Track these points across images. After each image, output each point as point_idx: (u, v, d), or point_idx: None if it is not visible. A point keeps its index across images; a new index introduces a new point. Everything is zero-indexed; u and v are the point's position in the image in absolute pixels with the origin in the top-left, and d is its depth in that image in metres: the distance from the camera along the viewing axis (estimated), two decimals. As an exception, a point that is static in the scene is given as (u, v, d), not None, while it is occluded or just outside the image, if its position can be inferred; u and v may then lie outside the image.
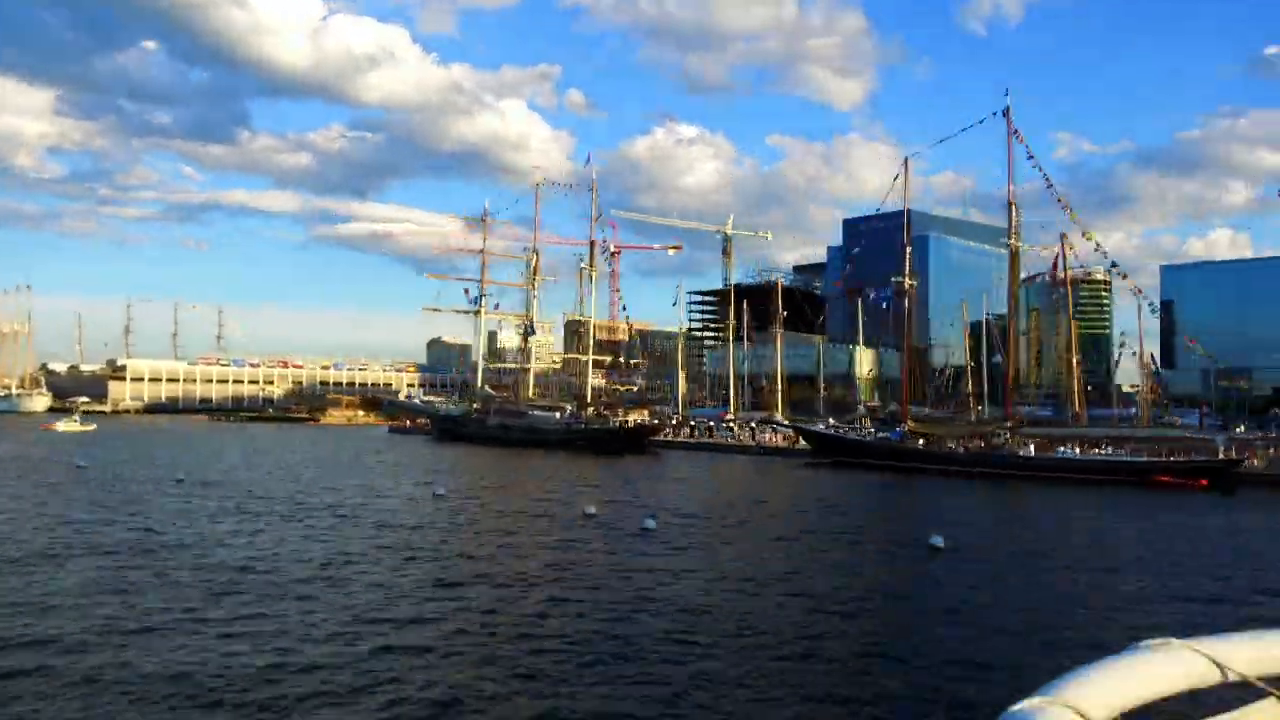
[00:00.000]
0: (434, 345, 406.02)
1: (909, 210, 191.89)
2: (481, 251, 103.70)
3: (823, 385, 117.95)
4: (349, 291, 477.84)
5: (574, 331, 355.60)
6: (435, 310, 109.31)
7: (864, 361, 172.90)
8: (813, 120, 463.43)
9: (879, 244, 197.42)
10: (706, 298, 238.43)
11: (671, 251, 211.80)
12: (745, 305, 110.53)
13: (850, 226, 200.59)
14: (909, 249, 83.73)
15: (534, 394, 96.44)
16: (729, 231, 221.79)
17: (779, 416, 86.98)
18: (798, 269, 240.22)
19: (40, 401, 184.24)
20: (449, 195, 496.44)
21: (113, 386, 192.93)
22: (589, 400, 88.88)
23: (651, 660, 16.81)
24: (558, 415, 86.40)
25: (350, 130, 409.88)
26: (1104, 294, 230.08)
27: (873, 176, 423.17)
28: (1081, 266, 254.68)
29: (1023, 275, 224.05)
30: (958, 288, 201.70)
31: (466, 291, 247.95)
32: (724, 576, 25.14)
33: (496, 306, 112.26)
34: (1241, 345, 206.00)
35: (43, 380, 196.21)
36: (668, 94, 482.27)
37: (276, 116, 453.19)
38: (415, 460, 70.76)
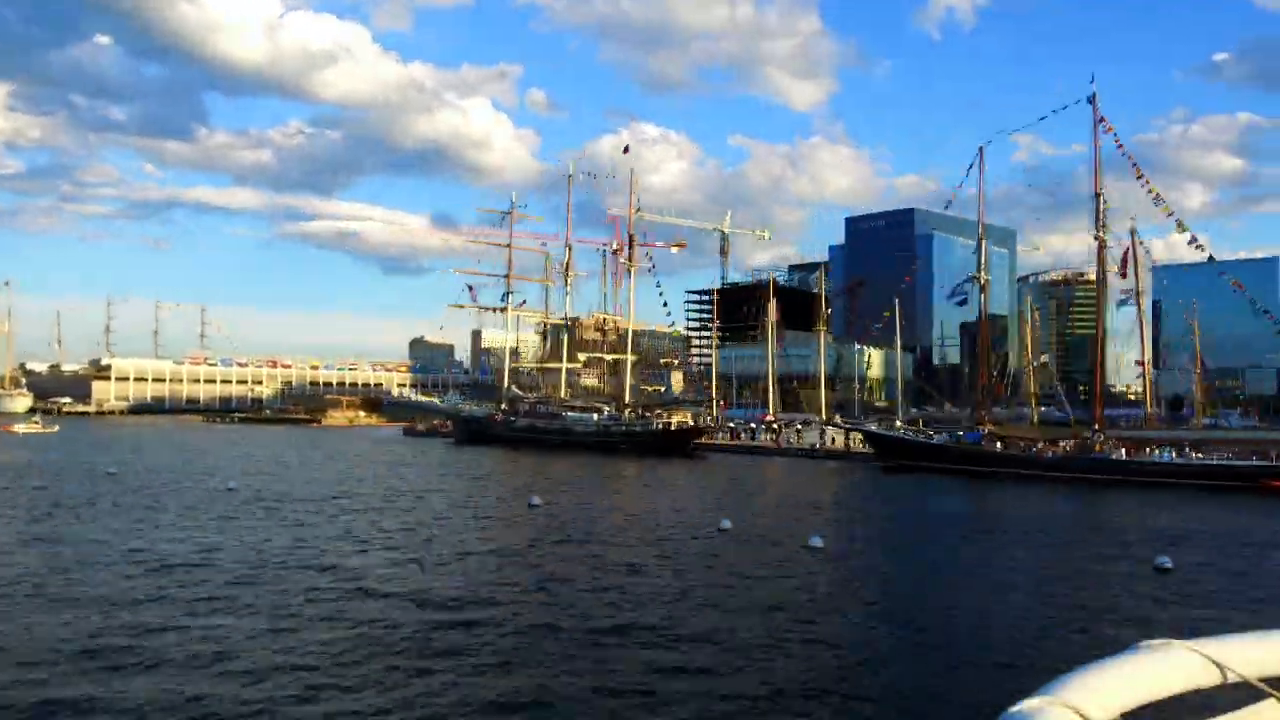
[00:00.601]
0: (416, 345, 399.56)
1: (912, 210, 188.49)
2: (508, 246, 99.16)
3: (830, 385, 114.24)
4: (315, 291, 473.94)
5: (557, 333, 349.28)
6: (460, 307, 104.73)
7: (873, 361, 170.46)
8: (774, 121, 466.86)
9: (880, 243, 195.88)
10: (703, 297, 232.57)
11: (676, 250, 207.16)
12: (774, 304, 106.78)
13: (852, 225, 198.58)
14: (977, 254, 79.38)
15: (566, 394, 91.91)
16: (726, 230, 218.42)
17: (820, 417, 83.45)
18: (793, 268, 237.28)
19: (21, 402, 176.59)
20: (415, 194, 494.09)
21: (96, 386, 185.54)
22: (628, 401, 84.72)
23: None
24: (595, 417, 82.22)
25: (309, 127, 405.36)
26: (1092, 294, 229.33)
27: (836, 178, 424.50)
28: (1068, 267, 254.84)
29: (1021, 273, 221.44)
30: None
31: (469, 289, 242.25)
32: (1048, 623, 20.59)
33: (523, 303, 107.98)
34: (1232, 346, 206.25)
35: (22, 380, 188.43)
36: (629, 93, 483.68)
37: (235, 113, 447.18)
38: (460, 465, 66.27)
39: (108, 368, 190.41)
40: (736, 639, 17.95)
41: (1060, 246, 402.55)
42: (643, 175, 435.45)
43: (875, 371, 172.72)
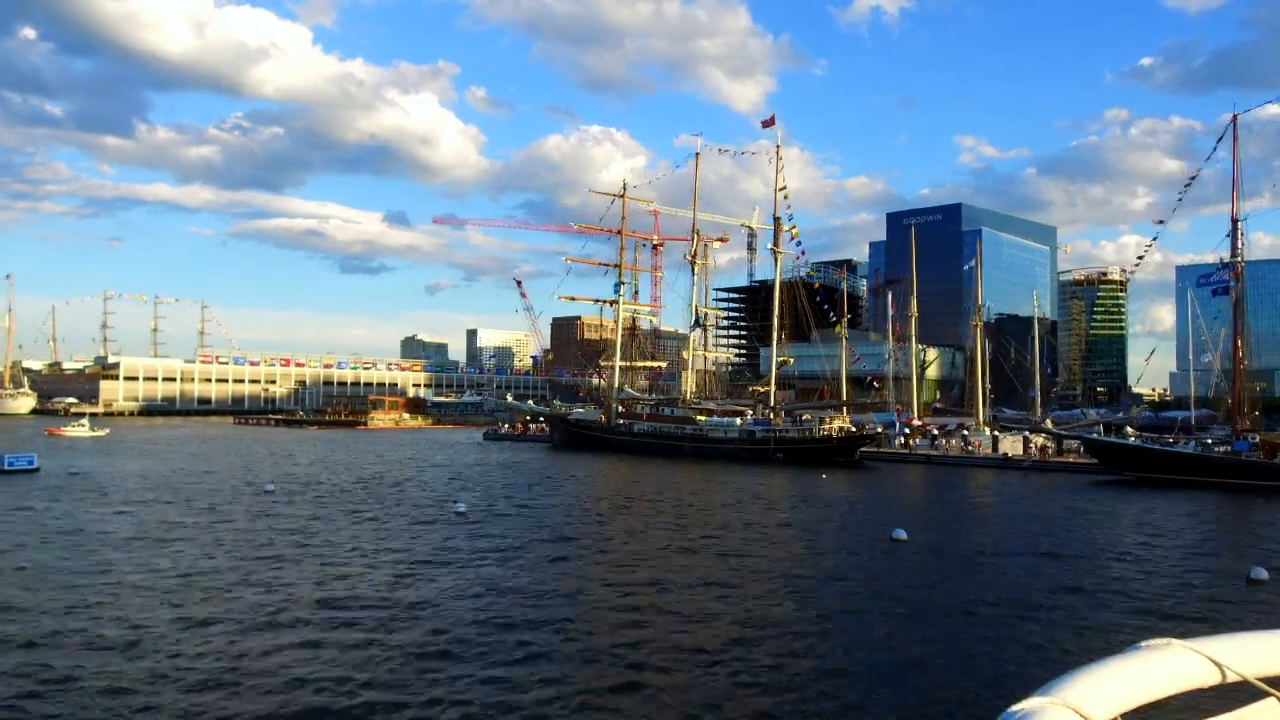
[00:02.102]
0: (409, 344, 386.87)
1: (959, 205, 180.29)
2: (620, 233, 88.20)
3: (864, 384, 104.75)
4: (275, 288, 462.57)
5: (563, 331, 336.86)
6: (571, 299, 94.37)
7: (930, 361, 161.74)
8: (718, 121, 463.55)
9: (925, 239, 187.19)
10: (731, 294, 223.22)
11: (718, 244, 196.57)
12: (845, 302, 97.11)
13: (895, 221, 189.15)
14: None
15: (692, 395, 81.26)
16: (755, 226, 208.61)
17: (977, 421, 73.81)
18: (818, 264, 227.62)
19: (24, 402, 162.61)
20: (371, 192, 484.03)
21: (104, 386, 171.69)
22: (774, 403, 74.43)
23: None
24: (738, 421, 71.86)
25: (248, 122, 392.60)
26: (1120, 295, 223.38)
27: (785, 179, 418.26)
28: (1091, 267, 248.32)
29: (1061, 272, 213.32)
30: (1006, 284, 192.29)
31: (519, 283, 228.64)
32: None
33: (635, 294, 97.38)
34: (1255, 346, 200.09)
35: (24, 379, 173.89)
36: (569, 91, 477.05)
37: (173, 110, 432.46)
38: (609, 479, 55.92)
39: (115, 366, 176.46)
40: None
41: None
42: (590, 173, 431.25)
43: (932, 371, 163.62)
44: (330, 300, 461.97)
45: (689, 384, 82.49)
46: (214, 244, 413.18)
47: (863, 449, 66.19)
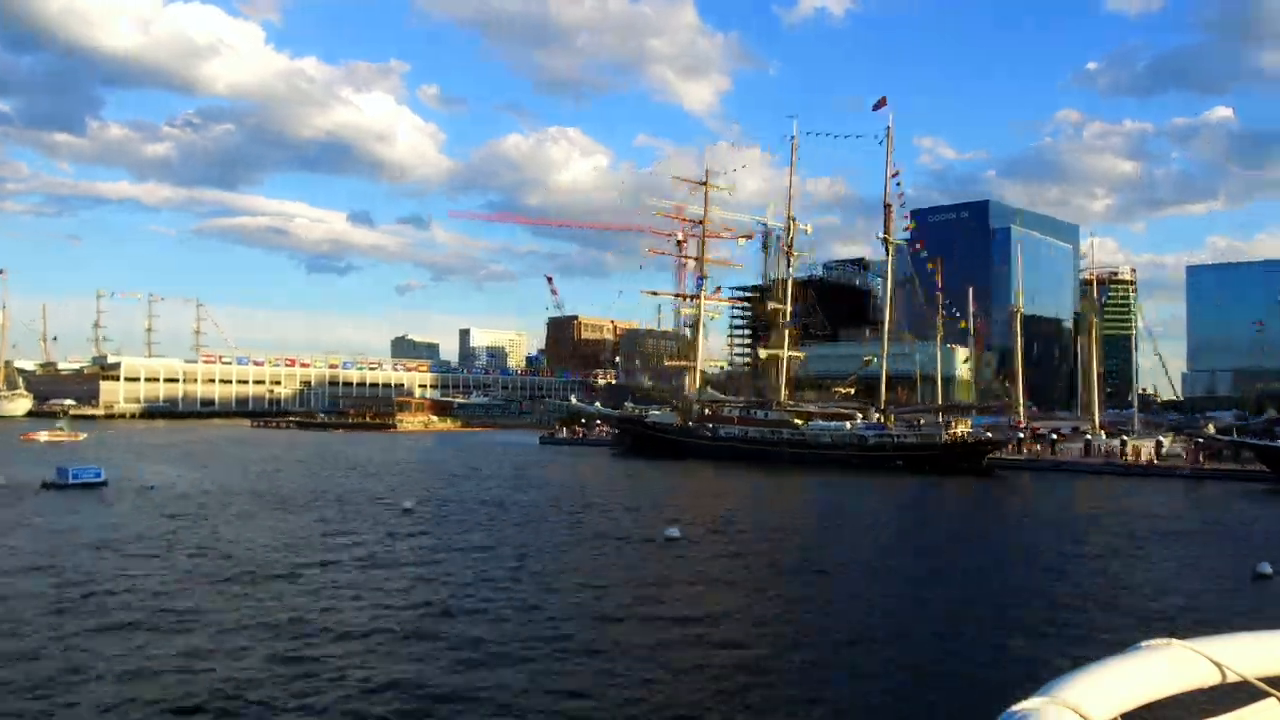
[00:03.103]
0: (400, 344, 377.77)
1: (987, 202, 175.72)
2: (701, 223, 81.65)
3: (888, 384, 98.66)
4: (240, 287, 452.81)
5: (560, 331, 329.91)
6: (653, 294, 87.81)
7: (960, 360, 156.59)
8: (675, 122, 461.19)
9: (952, 237, 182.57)
10: (743, 293, 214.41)
11: (743, 241, 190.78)
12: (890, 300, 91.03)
13: (920, 218, 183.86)
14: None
15: (786, 397, 74.81)
16: (769, 223, 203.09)
17: (1092, 423, 68.33)
18: (830, 264, 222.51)
19: (21, 404, 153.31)
20: (333, 191, 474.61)
21: (104, 387, 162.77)
22: (885, 404, 68.44)
23: None
24: (848, 425, 65.79)
25: (199, 119, 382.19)
26: (1130, 294, 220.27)
27: (747, 180, 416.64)
28: (1101, 267, 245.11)
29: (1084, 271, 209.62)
30: (1033, 281, 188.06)
31: (549, 280, 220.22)
32: None
33: (718, 290, 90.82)
34: (1265, 345, 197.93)
35: (19, 380, 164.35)
36: (523, 90, 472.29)
37: (126, 106, 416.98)
38: (718, 491, 49.75)
39: (116, 366, 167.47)
40: None
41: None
42: (550, 173, 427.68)
43: (964, 372, 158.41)
44: (299, 299, 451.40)
45: (693, 383, 76.45)
46: (175, 242, 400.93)
47: (992, 455, 60.40)
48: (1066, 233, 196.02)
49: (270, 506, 37.02)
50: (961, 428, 62.83)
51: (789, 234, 73.50)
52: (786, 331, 74.39)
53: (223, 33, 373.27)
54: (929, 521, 38.26)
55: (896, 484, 51.84)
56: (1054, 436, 66.34)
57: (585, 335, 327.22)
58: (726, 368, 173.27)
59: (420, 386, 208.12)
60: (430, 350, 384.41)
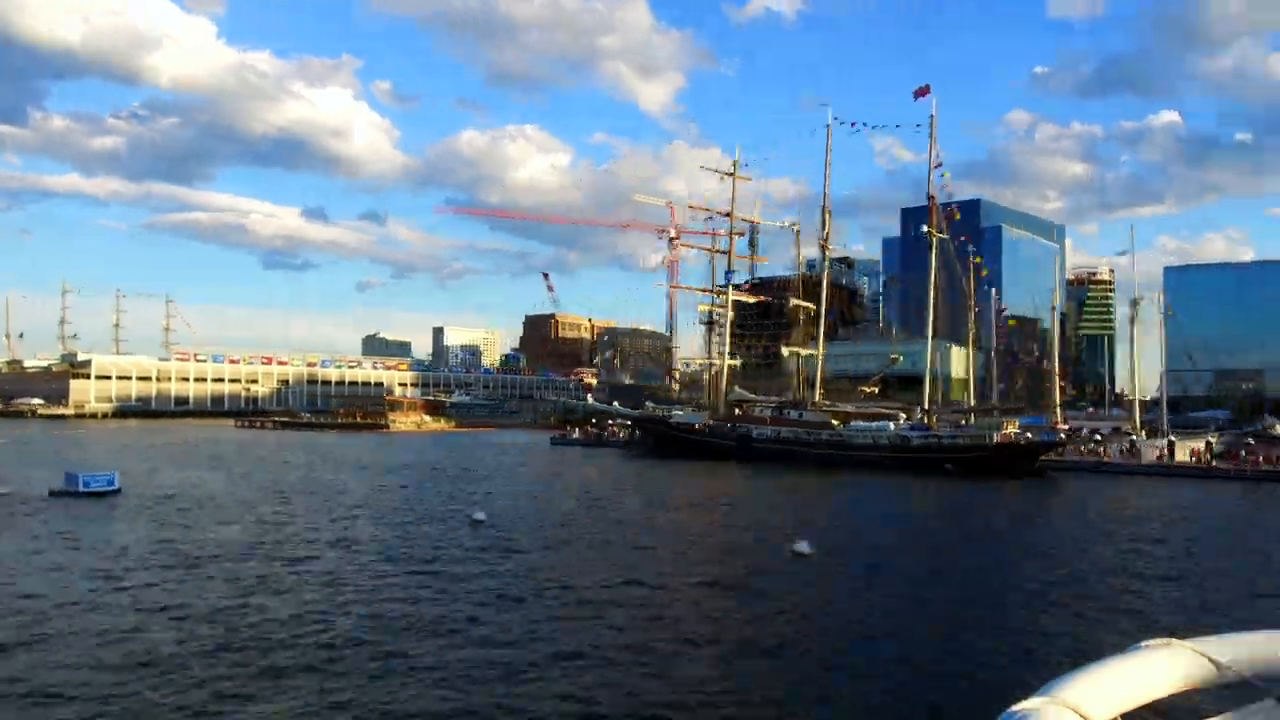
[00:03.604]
0: (371, 342, 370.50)
1: (978, 200, 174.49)
2: (729, 215, 78.31)
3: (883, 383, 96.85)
4: (195, 284, 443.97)
5: (536, 329, 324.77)
6: (681, 289, 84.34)
7: (955, 360, 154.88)
8: (631, 120, 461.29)
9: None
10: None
11: (739, 238, 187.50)
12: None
13: (909, 216, 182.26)
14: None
15: (822, 397, 71.62)
16: (757, 221, 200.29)
17: (1134, 425, 66.08)
18: (814, 263, 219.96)
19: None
20: (287, 187, 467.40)
21: (74, 386, 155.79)
22: (932, 403, 65.46)
23: None
24: (891, 426, 62.88)
25: (146, 111, 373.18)
26: (1109, 295, 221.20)
27: (708, 180, 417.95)
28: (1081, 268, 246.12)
29: (1070, 272, 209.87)
30: (1022, 280, 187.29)
31: (546, 276, 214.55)
32: None
33: (745, 285, 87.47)
34: (1245, 347, 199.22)
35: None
36: (476, 86, 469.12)
37: (70, 98, 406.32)
38: (764, 498, 46.67)
39: (86, 364, 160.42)
40: None
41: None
42: (507, 170, 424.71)
43: (957, 371, 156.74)
44: (255, 296, 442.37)
45: (818, 387, 73.06)
46: (126, 237, 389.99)
47: (1043, 457, 57.87)
48: (1052, 232, 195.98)
49: (331, 519, 33.11)
50: (1011, 429, 60.21)
51: (824, 227, 70.57)
52: (821, 328, 71.26)
53: (170, 25, 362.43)
54: (1062, 533, 35.30)
55: (966, 488, 49.04)
56: (1097, 438, 64.01)
57: (563, 333, 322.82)
58: (701, 363, 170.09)
59: (400, 385, 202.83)
60: (402, 348, 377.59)
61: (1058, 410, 70.47)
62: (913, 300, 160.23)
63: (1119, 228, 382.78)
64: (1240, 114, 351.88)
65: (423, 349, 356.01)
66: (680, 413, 74.88)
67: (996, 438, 58.32)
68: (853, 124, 72.55)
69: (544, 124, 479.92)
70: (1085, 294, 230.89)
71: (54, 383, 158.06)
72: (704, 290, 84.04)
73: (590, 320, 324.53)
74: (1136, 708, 2.29)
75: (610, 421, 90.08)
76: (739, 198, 76.96)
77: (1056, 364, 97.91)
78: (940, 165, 67.40)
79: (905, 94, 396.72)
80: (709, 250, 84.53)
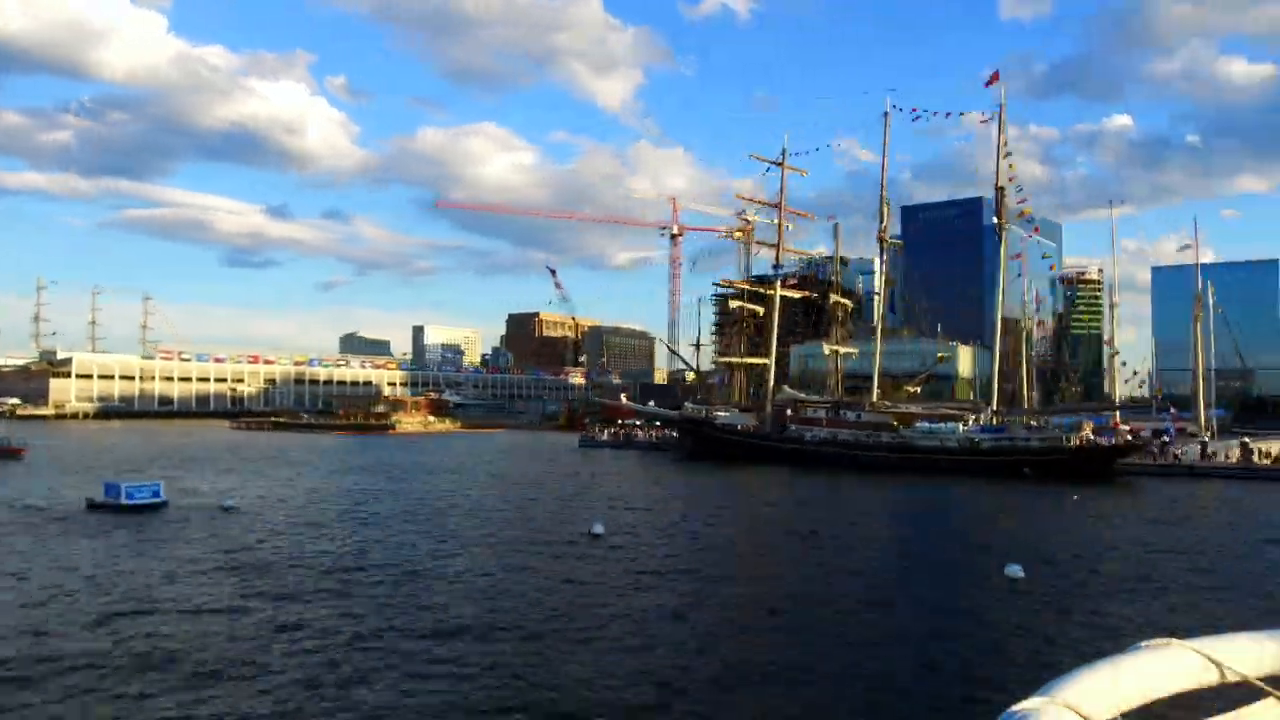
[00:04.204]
0: (348, 341, 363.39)
1: (980, 199, 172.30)
2: (778, 206, 74.57)
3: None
4: (151, 281, 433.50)
5: (520, 327, 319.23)
6: (728, 284, 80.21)
7: (962, 359, 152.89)
8: (590, 119, 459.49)
9: (944, 234, 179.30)
10: (728, 290, 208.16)
11: (738, 236, 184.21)
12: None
13: (911, 215, 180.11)
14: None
15: (878, 399, 68.09)
16: (751, 218, 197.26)
17: (1200, 426, 63.54)
18: (809, 262, 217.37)
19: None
20: (252, 184, 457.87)
21: (55, 385, 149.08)
22: (1006, 402, 62.16)
23: None
24: (960, 428, 59.61)
25: (96, 105, 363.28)
26: (1097, 294, 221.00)
27: (671, 178, 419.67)
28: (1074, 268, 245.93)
29: (1060, 271, 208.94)
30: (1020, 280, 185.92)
31: (553, 272, 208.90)
32: None
33: (791, 280, 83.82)
34: (1231, 346, 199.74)
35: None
36: (432, 82, 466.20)
37: (17, 93, 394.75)
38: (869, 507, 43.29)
39: (67, 362, 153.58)
40: None
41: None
42: (468, 167, 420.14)
43: (965, 370, 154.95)
44: (219, 294, 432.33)
45: (875, 388, 69.56)
46: (84, 234, 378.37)
47: (1123, 459, 54.94)
48: (1049, 231, 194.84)
49: (441, 536, 29.07)
50: (1088, 429, 57.22)
51: (883, 220, 67.21)
52: (879, 323, 67.93)
53: (119, 18, 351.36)
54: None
55: (1040, 494, 45.88)
56: (1165, 439, 61.28)
57: (546, 332, 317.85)
58: (719, 362, 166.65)
59: (389, 385, 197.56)
60: (381, 347, 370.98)
61: (1201, 409, 67.48)
62: (923, 298, 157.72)
63: (1080, 230, 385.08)
64: (1191, 117, 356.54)
65: (398, 349, 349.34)
66: (724, 414, 71.11)
67: (1075, 440, 55.27)
68: (914, 110, 68.76)
69: (504, 122, 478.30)
70: (1075, 294, 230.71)
71: (32, 382, 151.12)
72: (750, 284, 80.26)
73: (574, 319, 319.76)
74: (1136, 708, 2.24)
75: (636, 422, 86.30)
76: (767, 190, 73.37)
77: (1115, 365, 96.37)
78: (1009, 154, 64.22)
79: (859, 94, 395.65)
80: (742, 238, 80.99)
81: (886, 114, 67.19)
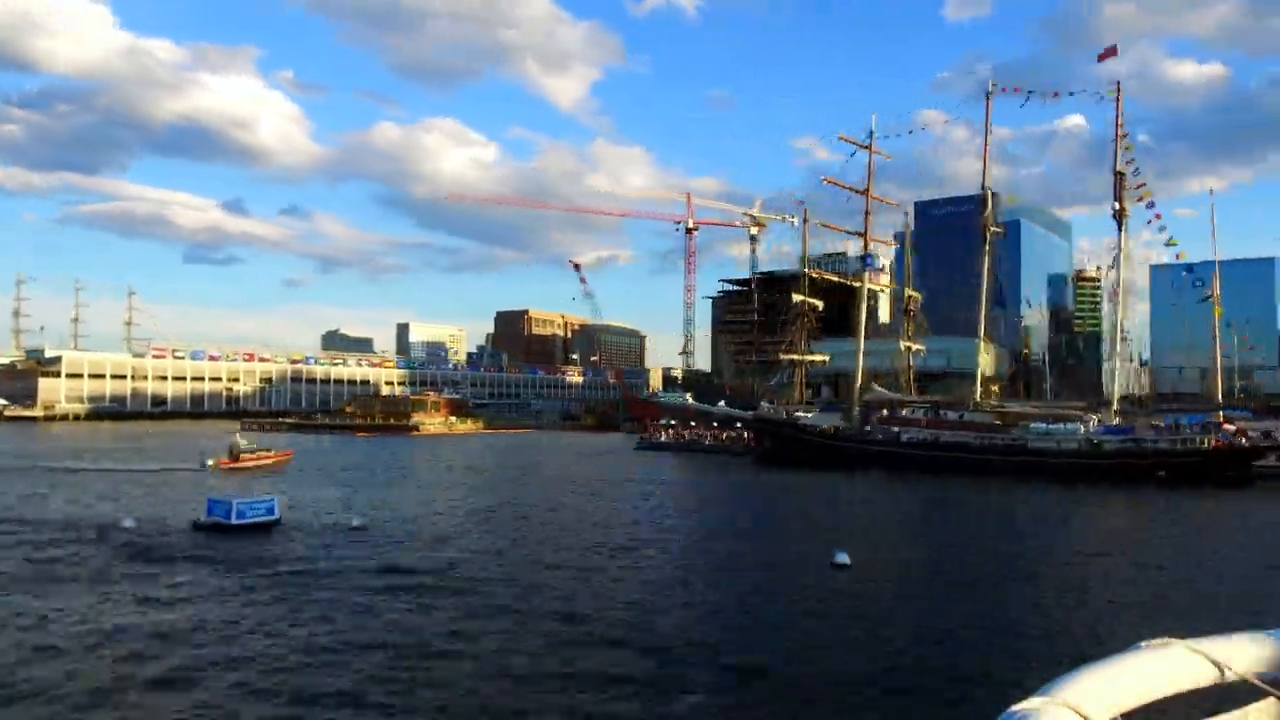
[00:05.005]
0: (331, 338, 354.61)
1: (992, 194, 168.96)
2: (865, 193, 69.79)
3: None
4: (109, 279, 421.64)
5: (509, 325, 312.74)
6: (821, 276, 75.38)
7: (986, 357, 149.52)
8: (546, 116, 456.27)
9: (958, 230, 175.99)
10: (735, 287, 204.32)
11: (756, 230, 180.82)
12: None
13: (925, 210, 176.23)
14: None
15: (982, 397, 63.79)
16: (757, 215, 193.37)
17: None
18: (819, 259, 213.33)
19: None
20: (208, 180, 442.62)
21: (44, 385, 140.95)
22: (1114, 405, 57.97)
23: None
24: (1081, 429, 55.42)
25: (39, 97, 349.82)
26: (1096, 292, 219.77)
27: (631, 176, 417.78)
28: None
29: (1086, 266, 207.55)
30: (1034, 279, 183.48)
31: (577, 267, 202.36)
32: None
33: (883, 270, 79.16)
34: (1233, 345, 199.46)
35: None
36: (384, 77, 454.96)
37: None
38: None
39: (56, 361, 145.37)
40: None
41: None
42: (427, 163, 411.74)
43: (988, 368, 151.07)
44: (182, 292, 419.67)
45: (977, 386, 65.32)
46: (40, 230, 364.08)
47: (1257, 463, 51.18)
48: (1061, 229, 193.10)
49: (659, 561, 24.20)
50: (1232, 428, 53.34)
51: (987, 209, 62.91)
52: (983, 315, 63.76)
53: (64, 9, 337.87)
54: None
55: (1202, 501, 41.95)
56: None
57: (536, 330, 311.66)
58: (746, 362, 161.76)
59: (387, 384, 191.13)
60: (364, 345, 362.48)
61: (1220, 412, 63.93)
62: (941, 295, 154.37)
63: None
64: (1142, 118, 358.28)
65: (380, 347, 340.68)
66: (803, 414, 66.39)
67: (1210, 441, 51.36)
68: (1018, 90, 64.53)
69: (460, 117, 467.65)
70: (1074, 292, 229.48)
71: (19, 381, 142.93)
72: (836, 277, 75.70)
73: (564, 317, 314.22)
74: (1136, 708, 2.20)
75: (692, 423, 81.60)
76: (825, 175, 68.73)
77: (1219, 364, 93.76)
78: (1126, 135, 60.17)
79: (807, 93, 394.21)
80: (760, 232, 76.67)
81: (989, 93, 62.78)
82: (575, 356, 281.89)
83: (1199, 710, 2.47)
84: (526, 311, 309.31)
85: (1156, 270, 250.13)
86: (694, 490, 47.72)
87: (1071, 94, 66.59)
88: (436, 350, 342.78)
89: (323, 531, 30.61)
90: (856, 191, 69.74)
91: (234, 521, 30.40)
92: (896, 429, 61.36)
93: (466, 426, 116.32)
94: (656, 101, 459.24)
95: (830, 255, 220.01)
